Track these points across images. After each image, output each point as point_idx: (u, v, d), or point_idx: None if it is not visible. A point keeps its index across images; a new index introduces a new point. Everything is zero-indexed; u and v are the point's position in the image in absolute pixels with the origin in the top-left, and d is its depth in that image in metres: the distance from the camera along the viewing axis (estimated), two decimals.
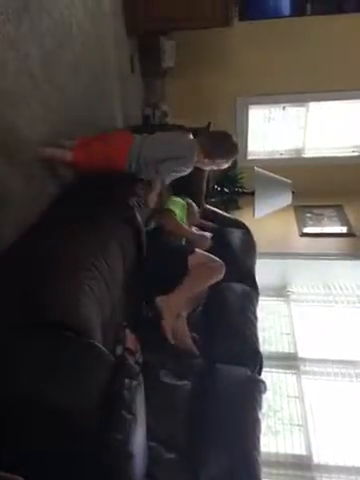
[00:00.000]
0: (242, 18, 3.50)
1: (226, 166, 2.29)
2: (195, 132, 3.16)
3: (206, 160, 2.19)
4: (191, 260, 2.16)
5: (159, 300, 2.05)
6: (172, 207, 2.48)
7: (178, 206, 2.55)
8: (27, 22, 1.91)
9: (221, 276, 2.21)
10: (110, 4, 2.96)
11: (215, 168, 2.33)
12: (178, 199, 2.63)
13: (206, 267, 2.18)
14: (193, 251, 2.21)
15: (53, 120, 2.16)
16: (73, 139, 2.16)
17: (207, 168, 2.37)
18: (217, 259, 2.23)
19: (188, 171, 2.20)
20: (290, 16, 3.50)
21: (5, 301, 1.41)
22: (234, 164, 4.21)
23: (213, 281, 2.21)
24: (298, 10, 3.44)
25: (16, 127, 1.86)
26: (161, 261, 2.10)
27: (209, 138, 2.22)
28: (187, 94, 4.04)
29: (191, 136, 2.30)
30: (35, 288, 1.43)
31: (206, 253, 2.26)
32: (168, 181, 2.21)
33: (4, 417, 1.08)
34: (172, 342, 2.00)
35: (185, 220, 2.57)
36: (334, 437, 2.60)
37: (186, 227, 2.47)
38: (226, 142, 2.22)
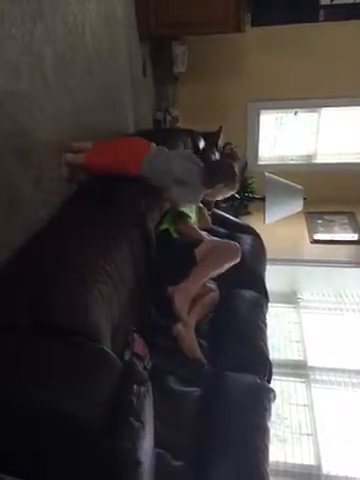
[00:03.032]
0: (254, 24, 3.48)
1: (231, 193, 2.33)
2: (206, 136, 3.17)
3: (209, 191, 2.25)
4: (199, 250, 2.15)
5: (170, 289, 2.05)
6: (186, 210, 2.47)
7: (192, 209, 2.53)
8: (41, 26, 1.92)
9: (237, 258, 2.19)
10: (123, 9, 2.98)
11: (220, 197, 2.39)
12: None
13: (218, 250, 2.17)
14: (199, 243, 2.20)
15: (65, 123, 2.18)
16: (89, 141, 2.18)
17: (213, 199, 2.41)
18: (231, 242, 2.22)
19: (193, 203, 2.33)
20: (302, 22, 3.48)
21: (14, 303, 1.41)
22: (244, 168, 4.22)
23: (229, 264, 2.18)
24: (310, 16, 3.43)
25: (29, 129, 1.87)
26: (168, 258, 2.10)
27: (207, 170, 2.25)
28: (198, 99, 4.04)
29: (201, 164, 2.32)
30: (44, 291, 1.43)
31: (216, 238, 2.25)
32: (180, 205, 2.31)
33: (9, 423, 1.07)
34: (184, 319, 2.00)
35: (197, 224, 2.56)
36: (344, 447, 2.55)
37: (199, 231, 2.46)
38: (222, 170, 2.28)
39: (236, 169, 2.30)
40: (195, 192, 2.23)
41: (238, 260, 2.20)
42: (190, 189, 2.20)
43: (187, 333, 2.02)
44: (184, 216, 2.39)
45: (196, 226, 2.47)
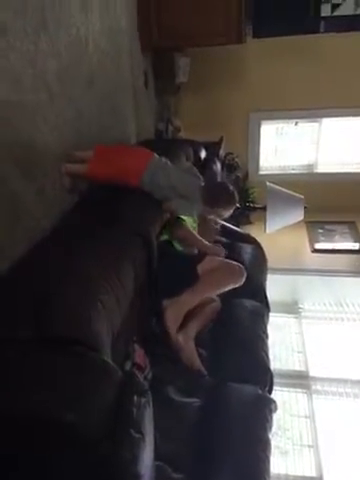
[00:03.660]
0: (255, 35, 3.52)
1: (226, 215, 2.36)
2: (207, 146, 3.19)
3: (208, 208, 2.27)
4: (202, 267, 2.14)
5: (165, 303, 2.03)
6: (182, 216, 2.47)
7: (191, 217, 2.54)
8: (45, 38, 1.95)
9: (241, 280, 2.17)
10: (126, 21, 3.02)
11: (216, 217, 2.43)
12: None
13: (222, 271, 2.16)
14: (203, 258, 2.19)
15: (68, 133, 2.20)
16: (90, 150, 2.19)
17: (209, 216, 2.42)
18: (235, 263, 2.21)
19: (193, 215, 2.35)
20: (303, 33, 3.52)
21: (15, 313, 1.41)
22: (245, 178, 4.24)
23: (231, 286, 2.17)
24: (311, 28, 3.46)
25: (32, 140, 1.88)
26: (170, 270, 2.09)
27: (208, 190, 2.27)
28: (200, 109, 4.07)
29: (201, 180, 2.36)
30: (45, 301, 1.43)
31: (220, 259, 2.24)
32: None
33: (10, 432, 1.07)
34: (172, 334, 1.98)
35: (196, 230, 2.56)
36: (346, 459, 2.53)
37: (198, 236, 2.45)
38: (223, 193, 2.29)
39: (236, 194, 2.32)
40: (194, 206, 2.25)
41: (241, 283, 2.18)
42: (189, 202, 2.22)
43: (186, 344, 2.01)
44: (179, 221, 2.39)
45: (195, 231, 2.47)
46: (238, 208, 3.69)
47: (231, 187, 2.34)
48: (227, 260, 2.24)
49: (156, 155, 2.24)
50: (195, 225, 2.57)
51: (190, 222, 2.52)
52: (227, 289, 2.18)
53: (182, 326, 2.05)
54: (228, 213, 2.33)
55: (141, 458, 1.12)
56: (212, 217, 2.44)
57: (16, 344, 1.30)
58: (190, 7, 3.19)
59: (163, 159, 2.25)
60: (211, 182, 2.61)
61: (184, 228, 2.38)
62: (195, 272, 2.11)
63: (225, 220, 3.27)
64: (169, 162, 2.27)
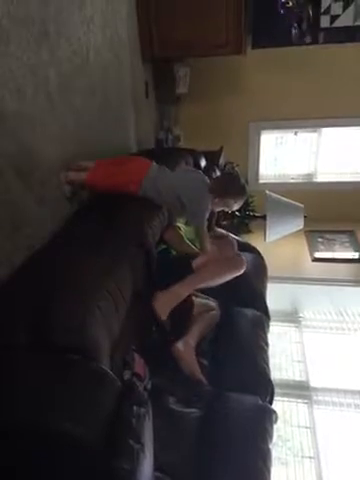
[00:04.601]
0: (255, 46, 3.56)
1: (236, 207, 2.32)
2: (207, 156, 3.19)
3: (217, 200, 2.22)
4: (197, 261, 2.12)
5: (156, 294, 2.00)
6: (179, 224, 2.46)
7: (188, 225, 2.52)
8: (46, 48, 1.96)
9: (241, 268, 2.15)
10: (127, 32, 3.05)
11: (226, 209, 2.37)
12: None
13: (218, 263, 2.14)
14: (197, 255, 2.18)
15: (68, 142, 2.20)
16: (92, 161, 2.20)
17: (217, 209, 2.39)
18: (236, 254, 2.19)
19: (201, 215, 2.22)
20: (302, 45, 3.55)
21: (14, 321, 1.40)
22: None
23: (231, 274, 2.14)
24: (311, 39, 3.50)
25: (33, 149, 1.89)
26: (165, 269, 2.08)
27: (219, 180, 2.28)
28: (200, 119, 4.09)
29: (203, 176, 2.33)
30: (44, 308, 1.42)
31: (219, 253, 2.23)
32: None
33: (8, 442, 1.06)
34: (162, 319, 1.94)
35: (197, 244, 2.54)
36: (347, 471, 2.50)
37: (188, 244, 2.39)
38: (236, 183, 2.27)
39: (246, 186, 2.30)
40: (201, 198, 2.18)
41: (241, 272, 2.16)
42: (195, 203, 2.17)
43: (187, 353, 2.00)
44: (173, 226, 2.37)
45: (194, 243, 2.46)
46: (238, 216, 3.71)
47: (242, 179, 2.32)
48: (230, 252, 2.22)
49: (155, 163, 2.25)
50: (192, 235, 2.55)
51: (188, 231, 2.50)
52: (226, 278, 2.14)
53: (182, 335, 2.04)
54: (237, 205, 2.29)
55: (140, 469, 1.11)
56: (221, 209, 2.39)
57: (14, 352, 1.29)
58: (190, 17, 3.23)
59: (162, 167, 2.26)
60: (221, 173, 2.58)
61: (173, 230, 2.36)
62: (189, 266, 2.10)
63: (225, 229, 3.30)
64: (168, 169, 2.27)
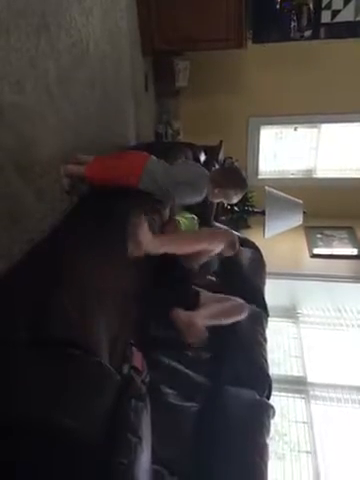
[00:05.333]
0: (256, 40, 3.54)
1: (235, 200, 2.30)
2: (207, 150, 3.18)
3: (216, 190, 2.21)
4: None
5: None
6: (179, 217, 2.45)
7: (187, 218, 2.52)
8: (46, 40, 1.95)
9: (225, 238, 2.13)
10: (127, 24, 3.03)
11: (224, 201, 2.35)
12: (188, 214, 2.61)
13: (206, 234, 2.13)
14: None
15: (67, 135, 2.20)
16: (91, 155, 2.19)
17: (217, 200, 2.37)
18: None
19: (199, 200, 2.23)
20: (303, 40, 3.53)
21: (12, 316, 1.40)
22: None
23: (213, 245, 2.10)
24: (312, 34, 3.48)
25: (32, 142, 1.88)
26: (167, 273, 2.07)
27: (221, 171, 2.26)
28: (200, 113, 4.08)
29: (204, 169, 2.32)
30: (43, 303, 1.42)
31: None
32: (179, 203, 2.25)
33: (7, 437, 1.06)
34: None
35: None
36: (344, 466, 2.51)
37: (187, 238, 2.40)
38: (237, 176, 2.26)
39: (247, 180, 2.28)
40: (199, 186, 2.17)
41: (226, 240, 2.13)
42: (195, 186, 2.16)
43: (198, 321, 1.96)
44: (173, 219, 2.35)
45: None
46: (237, 211, 3.71)
47: (243, 172, 2.30)
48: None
49: (153, 156, 2.24)
50: (192, 227, 2.54)
51: (188, 221, 2.49)
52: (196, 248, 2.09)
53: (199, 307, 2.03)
54: (237, 198, 2.27)
55: (138, 462, 1.12)
56: (220, 201, 2.38)
57: (13, 347, 1.29)
58: (191, 11, 3.20)
59: (161, 160, 2.25)
60: (221, 167, 2.57)
61: (174, 224, 2.34)
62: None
63: (224, 224, 3.30)
64: (167, 163, 2.27)
